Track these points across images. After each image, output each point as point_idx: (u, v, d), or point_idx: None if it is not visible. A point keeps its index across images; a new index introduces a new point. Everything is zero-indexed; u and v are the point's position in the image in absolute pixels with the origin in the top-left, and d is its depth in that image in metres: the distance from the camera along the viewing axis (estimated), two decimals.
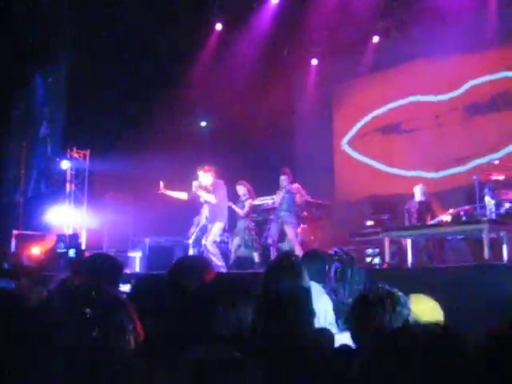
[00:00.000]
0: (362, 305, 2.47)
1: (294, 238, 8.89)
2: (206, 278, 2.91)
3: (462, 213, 8.39)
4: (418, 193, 9.31)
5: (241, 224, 9.35)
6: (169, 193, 8.76)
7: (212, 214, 8.68)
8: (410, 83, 11.91)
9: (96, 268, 3.38)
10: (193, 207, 9.36)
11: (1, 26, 11.28)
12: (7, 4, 11.08)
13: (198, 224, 9.26)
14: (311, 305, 2.70)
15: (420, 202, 9.25)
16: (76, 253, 4.95)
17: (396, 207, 10.21)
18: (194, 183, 8.52)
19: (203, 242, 8.65)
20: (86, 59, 11.78)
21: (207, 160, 12.64)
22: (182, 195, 8.78)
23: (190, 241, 8.89)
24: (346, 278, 4.67)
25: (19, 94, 13.76)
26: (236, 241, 9.33)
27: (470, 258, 8.16)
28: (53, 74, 13.06)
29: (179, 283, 2.77)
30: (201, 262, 3.23)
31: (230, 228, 9.64)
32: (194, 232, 9.18)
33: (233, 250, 9.38)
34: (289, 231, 8.93)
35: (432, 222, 8.69)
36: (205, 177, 8.54)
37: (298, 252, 8.21)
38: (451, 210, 8.61)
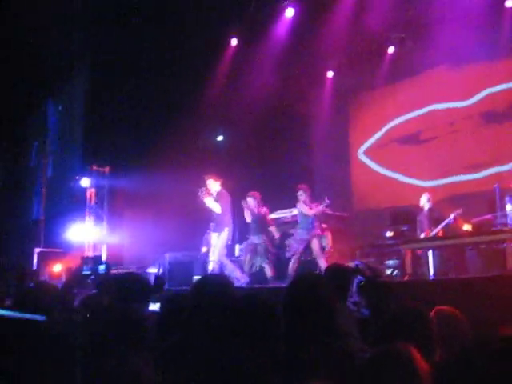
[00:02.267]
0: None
1: (319, 252, 8.78)
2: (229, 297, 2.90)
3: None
4: (425, 201, 9.27)
5: (254, 238, 9.21)
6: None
7: (217, 223, 8.85)
8: (425, 93, 11.87)
9: (125, 288, 3.36)
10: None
11: (16, 56, 11.47)
12: (20, 35, 11.24)
13: (208, 241, 9.37)
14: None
15: (429, 210, 9.21)
16: (106, 268, 5.00)
17: (415, 218, 10.15)
18: (201, 190, 8.73)
19: (211, 258, 8.72)
20: (104, 76, 11.93)
21: (225, 174, 12.77)
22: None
23: (211, 258, 8.90)
24: (368, 292, 4.64)
25: (33, 117, 14.00)
26: (250, 252, 9.20)
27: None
28: (64, 99, 13.27)
29: (203, 305, 2.76)
30: (222, 281, 3.20)
31: (241, 239, 9.67)
32: (207, 250, 9.29)
33: (247, 263, 9.26)
34: (313, 245, 8.85)
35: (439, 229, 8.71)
36: (213, 185, 8.84)
37: (323, 265, 8.21)
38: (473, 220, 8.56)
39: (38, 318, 2.64)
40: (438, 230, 8.80)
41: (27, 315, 2.79)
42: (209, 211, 9.00)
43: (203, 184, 8.86)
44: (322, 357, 2.25)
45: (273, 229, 9.12)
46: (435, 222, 8.95)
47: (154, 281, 4.35)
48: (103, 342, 2.35)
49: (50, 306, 3.47)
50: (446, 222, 8.73)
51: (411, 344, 2.17)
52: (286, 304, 2.66)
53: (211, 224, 9.23)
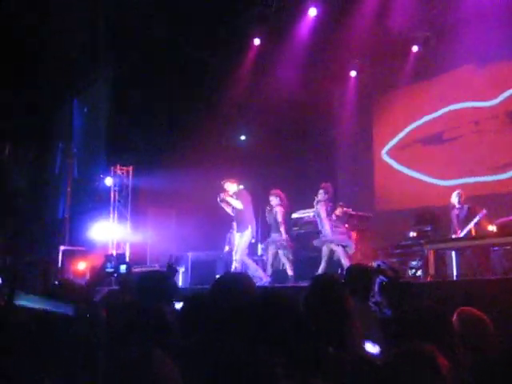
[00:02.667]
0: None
1: (342, 254, 8.68)
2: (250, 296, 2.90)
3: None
4: (455, 199, 9.19)
5: (275, 235, 9.20)
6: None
7: (240, 222, 8.89)
8: (450, 92, 11.77)
9: (148, 286, 3.37)
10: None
11: (40, 58, 11.63)
12: (44, 37, 11.39)
13: (230, 241, 9.43)
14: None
15: (458, 209, 9.12)
16: (127, 268, 5.01)
17: (439, 218, 10.06)
18: (219, 195, 8.92)
19: (234, 257, 8.74)
20: (126, 78, 12.04)
21: (247, 173, 12.81)
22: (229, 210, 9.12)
23: (234, 257, 8.93)
24: (390, 292, 4.62)
25: (58, 120, 14.19)
26: (271, 250, 9.21)
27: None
28: (90, 100, 13.42)
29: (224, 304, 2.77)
30: (242, 279, 3.20)
31: (264, 238, 9.69)
32: (230, 249, 9.34)
33: (269, 262, 9.28)
34: (336, 250, 8.83)
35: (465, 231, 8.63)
36: (231, 186, 8.96)
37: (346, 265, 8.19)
38: (498, 220, 8.47)
39: (68, 311, 2.67)
40: (465, 231, 8.74)
41: (58, 308, 2.83)
42: (231, 212, 9.08)
43: (221, 190, 8.97)
44: (331, 359, 2.25)
45: (282, 229, 9.05)
46: (464, 220, 8.87)
47: (167, 269, 4.38)
48: (123, 337, 2.38)
49: (74, 303, 3.51)
50: (472, 223, 8.66)
51: (432, 344, 2.17)
52: (304, 304, 2.67)
53: (233, 223, 9.28)
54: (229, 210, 9.07)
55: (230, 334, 2.45)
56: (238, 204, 8.84)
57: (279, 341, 2.24)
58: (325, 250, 8.86)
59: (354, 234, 9.58)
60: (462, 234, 8.76)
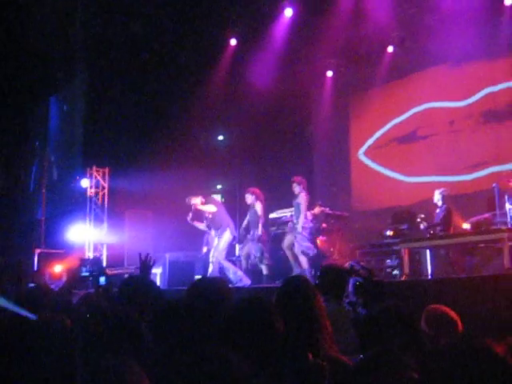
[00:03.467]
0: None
1: (299, 252, 8.75)
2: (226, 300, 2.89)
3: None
4: (437, 197, 9.23)
5: (253, 234, 9.21)
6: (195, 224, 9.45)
7: (217, 225, 8.92)
8: (425, 92, 11.86)
9: (129, 294, 3.32)
10: None
11: (14, 56, 11.51)
12: (20, 34, 11.29)
13: (208, 241, 9.45)
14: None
15: (439, 207, 9.18)
16: (106, 280, 4.93)
17: (415, 217, 10.14)
18: (189, 216, 9.22)
19: (211, 259, 8.72)
20: (102, 78, 11.97)
21: (225, 174, 12.81)
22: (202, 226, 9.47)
23: (211, 259, 8.88)
24: (365, 292, 4.65)
25: (34, 119, 14.04)
26: (246, 250, 9.25)
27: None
28: (68, 99, 13.31)
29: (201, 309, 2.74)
30: (218, 285, 3.16)
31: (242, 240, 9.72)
32: (208, 250, 9.33)
33: (243, 259, 9.31)
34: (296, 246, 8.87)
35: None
36: (195, 200, 9.07)
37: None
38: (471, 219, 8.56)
39: (29, 316, 2.66)
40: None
41: (21, 311, 2.81)
42: (204, 227, 9.38)
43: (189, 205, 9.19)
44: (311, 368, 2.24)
45: (260, 224, 9.09)
46: (442, 220, 8.93)
47: (140, 268, 4.35)
48: (99, 341, 2.36)
49: (47, 307, 3.47)
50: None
51: (399, 343, 2.20)
52: (275, 306, 2.67)
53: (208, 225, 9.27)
54: (202, 226, 9.38)
55: (203, 341, 2.44)
56: (210, 207, 8.97)
57: (256, 349, 2.23)
58: (288, 239, 8.94)
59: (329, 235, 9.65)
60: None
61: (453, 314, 3.37)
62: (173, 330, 2.55)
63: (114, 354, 2.00)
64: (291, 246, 8.91)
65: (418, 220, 9.05)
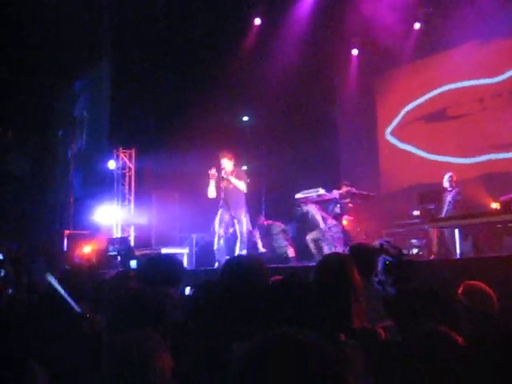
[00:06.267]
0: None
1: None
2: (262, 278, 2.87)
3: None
4: (446, 183, 9.17)
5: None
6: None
7: (238, 202, 8.37)
8: (454, 70, 11.65)
9: (154, 272, 3.30)
10: None
11: (40, 41, 11.57)
12: (45, 18, 11.33)
13: (222, 220, 8.64)
14: None
15: (449, 191, 9.11)
16: (137, 264, 4.93)
17: (442, 196, 10.04)
18: (213, 171, 8.18)
19: (239, 233, 8.40)
20: (127, 60, 11.99)
21: (249, 154, 12.77)
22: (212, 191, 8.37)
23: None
24: (394, 271, 4.63)
25: (60, 103, 14.16)
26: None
27: None
28: (94, 82, 13.37)
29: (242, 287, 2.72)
30: (253, 263, 3.12)
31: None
32: (233, 229, 9.09)
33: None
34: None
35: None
36: (229, 164, 8.29)
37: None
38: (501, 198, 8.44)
39: (76, 308, 2.71)
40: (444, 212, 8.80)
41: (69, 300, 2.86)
42: (223, 190, 8.38)
43: (217, 163, 8.37)
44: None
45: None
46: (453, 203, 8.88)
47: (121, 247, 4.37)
48: (124, 321, 2.41)
49: (81, 289, 3.52)
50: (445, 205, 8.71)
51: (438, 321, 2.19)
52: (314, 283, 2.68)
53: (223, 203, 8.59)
54: (212, 191, 8.30)
55: (238, 318, 2.44)
56: (242, 186, 8.29)
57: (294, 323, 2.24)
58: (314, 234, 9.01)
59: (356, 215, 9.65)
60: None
61: (491, 291, 3.38)
62: (210, 310, 2.56)
63: (137, 329, 2.05)
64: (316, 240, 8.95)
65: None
